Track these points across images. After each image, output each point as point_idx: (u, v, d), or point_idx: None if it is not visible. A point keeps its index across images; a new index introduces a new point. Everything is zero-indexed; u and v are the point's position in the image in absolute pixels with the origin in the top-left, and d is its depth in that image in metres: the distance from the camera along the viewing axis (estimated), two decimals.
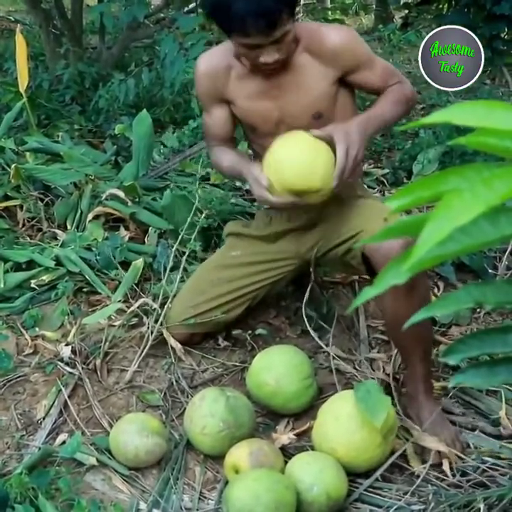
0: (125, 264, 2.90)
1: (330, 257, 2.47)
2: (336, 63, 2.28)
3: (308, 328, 2.47)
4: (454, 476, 2.08)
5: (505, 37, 5.76)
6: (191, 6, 7.05)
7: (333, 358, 2.48)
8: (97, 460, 2.11)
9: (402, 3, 8.45)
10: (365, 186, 2.61)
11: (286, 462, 2.09)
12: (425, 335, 2.27)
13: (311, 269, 2.52)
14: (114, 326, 2.56)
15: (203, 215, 2.83)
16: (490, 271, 3.04)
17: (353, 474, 2.10)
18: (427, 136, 4.01)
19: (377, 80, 2.35)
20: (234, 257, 2.56)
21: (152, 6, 5.48)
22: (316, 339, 2.49)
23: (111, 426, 2.23)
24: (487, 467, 2.09)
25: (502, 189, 0.88)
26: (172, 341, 2.51)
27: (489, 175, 0.91)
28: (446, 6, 6.73)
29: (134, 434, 2.09)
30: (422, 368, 2.28)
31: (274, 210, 2.52)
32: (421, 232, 0.88)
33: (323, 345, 2.51)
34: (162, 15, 5.74)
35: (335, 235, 2.40)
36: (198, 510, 2.02)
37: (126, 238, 3.04)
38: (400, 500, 1.99)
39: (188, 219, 2.74)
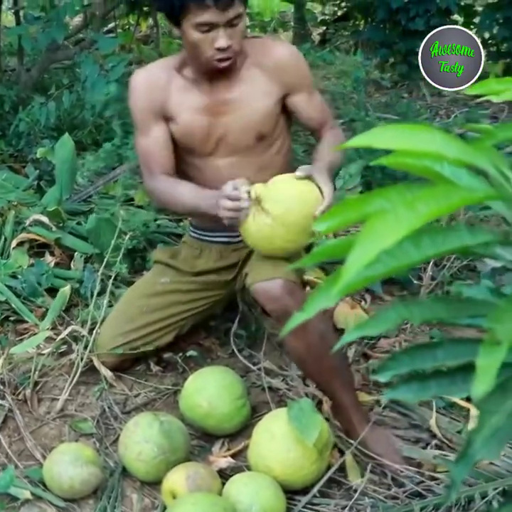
0: (52, 291, 2.86)
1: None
2: (280, 78, 2.29)
3: (236, 351, 2.48)
4: (390, 488, 2.10)
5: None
6: (110, 25, 7.04)
7: (265, 376, 2.49)
8: (32, 493, 2.07)
9: (319, 20, 8.57)
10: None
11: (223, 483, 2.09)
12: (338, 364, 2.24)
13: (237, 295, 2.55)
14: (43, 354, 2.52)
15: (127, 236, 2.82)
16: (415, 282, 3.09)
17: (291, 491, 2.11)
18: (348, 152, 4.06)
19: (315, 111, 2.37)
20: (163, 283, 2.54)
21: (71, 26, 5.44)
22: (244, 361, 2.49)
23: (44, 457, 2.19)
24: (423, 477, 2.12)
25: (424, 211, 0.90)
26: (103, 369, 2.48)
27: (412, 197, 0.93)
28: (363, 22, 6.87)
29: (68, 464, 2.06)
30: (348, 398, 2.24)
31: (206, 243, 2.52)
32: (347, 255, 0.90)
33: (252, 366, 2.52)
34: (81, 35, 5.70)
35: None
36: None
37: (52, 264, 3.00)
38: None
39: (112, 242, 2.73)
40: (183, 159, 2.42)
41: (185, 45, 2.27)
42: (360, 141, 1.06)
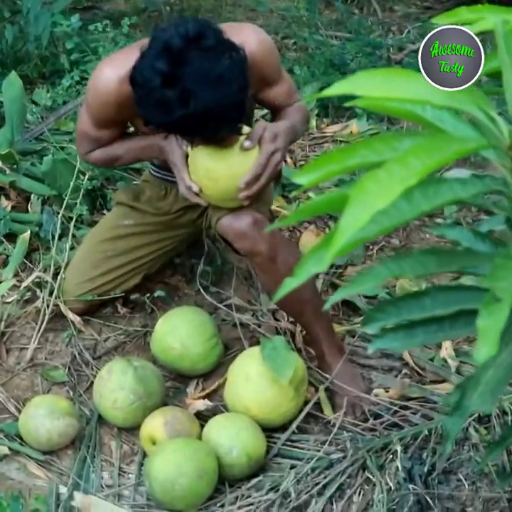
0: (10, 236, 2.78)
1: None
2: (251, 77, 2.00)
3: (202, 291, 2.48)
4: (367, 420, 2.12)
5: None
6: None
7: (235, 313, 2.47)
8: (9, 448, 2.05)
9: None
10: None
11: (201, 425, 2.09)
12: (308, 296, 2.20)
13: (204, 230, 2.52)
14: (8, 303, 2.47)
15: (86, 177, 2.75)
16: None
17: (270, 429, 2.12)
18: (303, 73, 3.97)
19: (283, 96, 2.23)
20: (127, 226, 2.46)
21: None
22: (211, 300, 2.49)
23: (18, 410, 2.17)
24: (398, 407, 2.14)
25: (418, 167, 0.87)
26: (70, 315, 2.43)
27: (404, 152, 0.89)
28: None
29: (44, 417, 2.04)
30: (319, 328, 2.25)
31: (171, 184, 2.40)
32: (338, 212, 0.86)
33: (220, 306, 2.52)
34: None
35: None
36: (119, 486, 2.00)
37: (9, 208, 2.89)
38: (318, 450, 2.02)
39: (71, 183, 2.66)
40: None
41: None
42: (341, 88, 1.02)
